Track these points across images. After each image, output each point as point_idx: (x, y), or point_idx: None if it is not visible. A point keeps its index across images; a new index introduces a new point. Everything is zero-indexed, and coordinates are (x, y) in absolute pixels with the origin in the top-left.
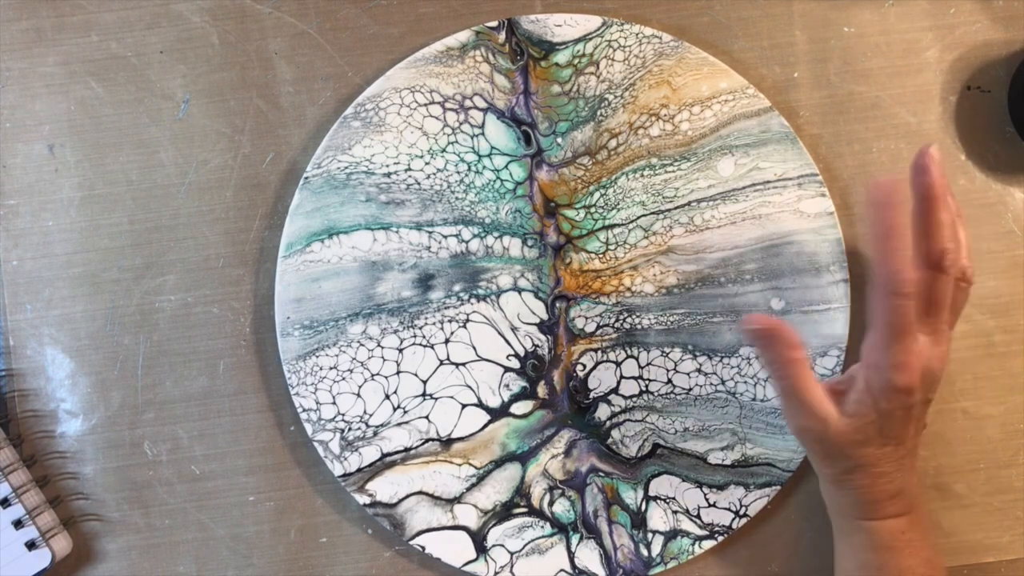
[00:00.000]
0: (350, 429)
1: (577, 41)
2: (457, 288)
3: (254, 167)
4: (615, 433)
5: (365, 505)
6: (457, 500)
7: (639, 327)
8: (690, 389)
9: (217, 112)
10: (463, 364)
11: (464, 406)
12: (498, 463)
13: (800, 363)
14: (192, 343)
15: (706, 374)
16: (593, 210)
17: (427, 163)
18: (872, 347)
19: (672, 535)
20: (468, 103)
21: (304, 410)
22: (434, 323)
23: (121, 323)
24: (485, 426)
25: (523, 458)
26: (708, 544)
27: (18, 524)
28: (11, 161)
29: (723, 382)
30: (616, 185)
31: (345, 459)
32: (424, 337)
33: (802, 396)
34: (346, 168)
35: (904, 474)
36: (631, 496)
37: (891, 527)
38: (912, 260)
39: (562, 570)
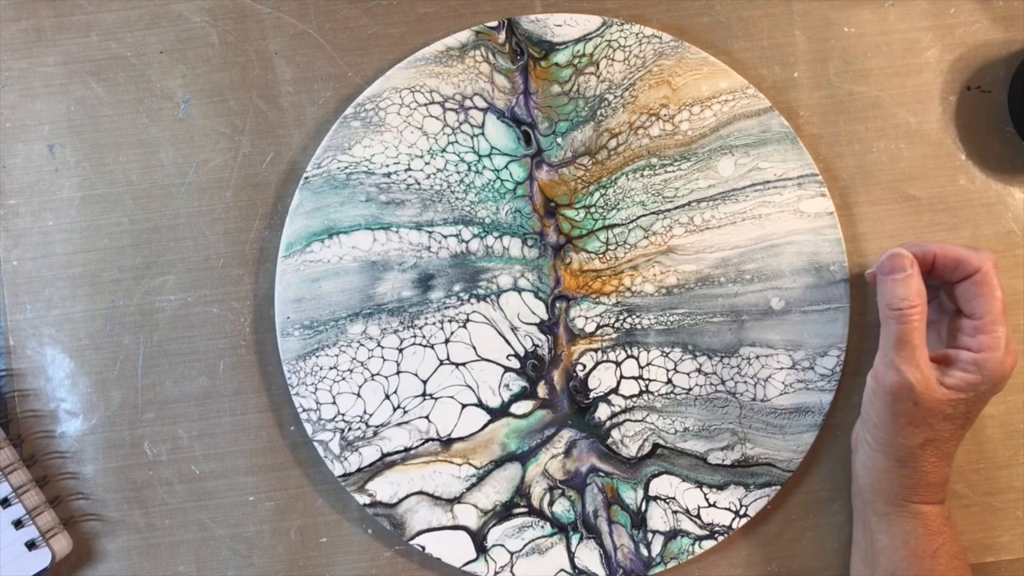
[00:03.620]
0: (350, 429)
1: (577, 41)
2: (457, 288)
3: (254, 167)
4: (615, 433)
5: (365, 505)
6: (457, 500)
7: (639, 327)
8: (690, 389)
9: (217, 112)
10: (463, 364)
11: (464, 406)
12: (498, 463)
13: (924, 313)
14: (192, 343)
15: (706, 374)
16: (593, 210)
17: (427, 163)
18: (980, 330)
19: (672, 535)
20: (468, 103)
21: (304, 410)
22: (434, 323)
23: (121, 323)
24: (485, 426)
25: (523, 458)
26: (708, 544)
27: (18, 524)
28: (11, 161)
29: (723, 382)
30: (616, 185)
31: (345, 459)
32: (424, 337)
33: (917, 347)
34: (346, 168)
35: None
36: (631, 496)
37: (940, 512)
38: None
39: (562, 570)
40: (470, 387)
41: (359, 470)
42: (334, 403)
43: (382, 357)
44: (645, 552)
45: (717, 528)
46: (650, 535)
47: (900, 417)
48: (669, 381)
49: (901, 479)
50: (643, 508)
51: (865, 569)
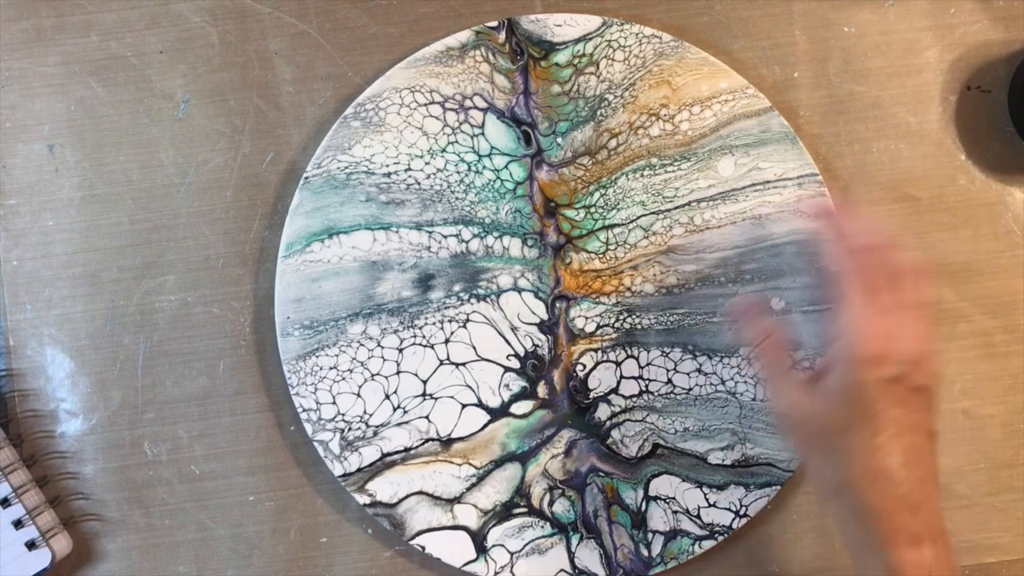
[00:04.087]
0: (350, 429)
1: (577, 41)
2: (457, 288)
3: (254, 167)
4: (615, 433)
5: (365, 505)
6: (457, 500)
7: (639, 327)
8: (690, 389)
9: (217, 112)
10: (463, 364)
11: (464, 406)
12: (498, 463)
13: (778, 342)
14: (192, 343)
15: (706, 374)
16: (593, 210)
17: (427, 163)
18: (835, 319)
19: (672, 535)
20: (468, 103)
21: (304, 410)
22: (434, 323)
23: (121, 323)
24: (485, 426)
25: (523, 458)
26: (708, 544)
27: (18, 524)
28: (11, 161)
29: (723, 382)
30: (616, 185)
31: (345, 459)
32: (424, 337)
33: (779, 375)
34: (346, 168)
35: (917, 481)
36: (631, 496)
37: (914, 561)
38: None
39: (562, 570)
40: (470, 387)
41: (359, 470)
42: (334, 403)
43: (382, 357)
44: (645, 552)
45: (717, 528)
46: (650, 535)
47: (803, 445)
48: (669, 381)
49: (849, 516)
50: (643, 508)
51: None
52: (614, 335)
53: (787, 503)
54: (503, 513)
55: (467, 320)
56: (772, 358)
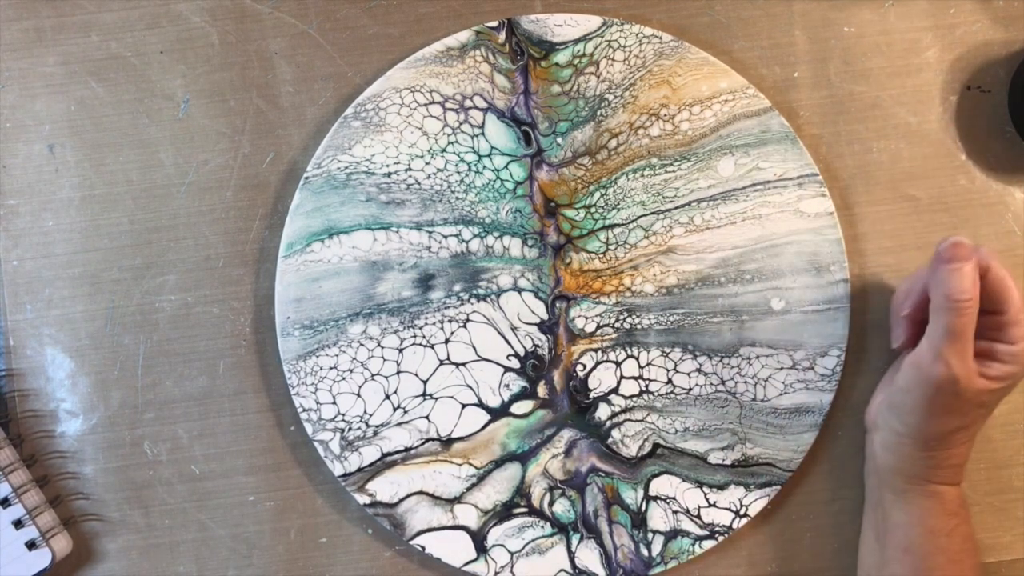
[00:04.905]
0: (350, 429)
1: (577, 41)
2: (457, 288)
3: (254, 167)
4: (615, 433)
5: (365, 505)
6: (457, 500)
7: (639, 327)
8: (690, 389)
9: (217, 112)
10: (463, 364)
11: (464, 406)
12: (498, 463)
13: (977, 307)
14: (192, 343)
15: (706, 374)
16: (593, 210)
17: (427, 163)
18: (1010, 323)
19: (672, 535)
20: (468, 103)
21: (304, 410)
22: (434, 323)
23: (121, 323)
24: (485, 426)
25: (523, 458)
26: (708, 544)
27: (18, 524)
28: (11, 161)
29: (723, 382)
30: (616, 185)
31: (345, 459)
32: (424, 337)
33: (968, 341)
34: (346, 168)
35: None
36: (631, 496)
37: (957, 493)
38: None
39: (562, 570)
40: (470, 387)
41: (359, 470)
42: (334, 403)
43: (382, 357)
44: (645, 552)
45: (717, 528)
46: (650, 535)
47: (938, 407)
48: (669, 381)
49: (926, 460)
50: (643, 508)
51: (877, 545)
52: (614, 335)
53: (787, 503)
54: (503, 513)
55: (467, 320)
56: (970, 319)
